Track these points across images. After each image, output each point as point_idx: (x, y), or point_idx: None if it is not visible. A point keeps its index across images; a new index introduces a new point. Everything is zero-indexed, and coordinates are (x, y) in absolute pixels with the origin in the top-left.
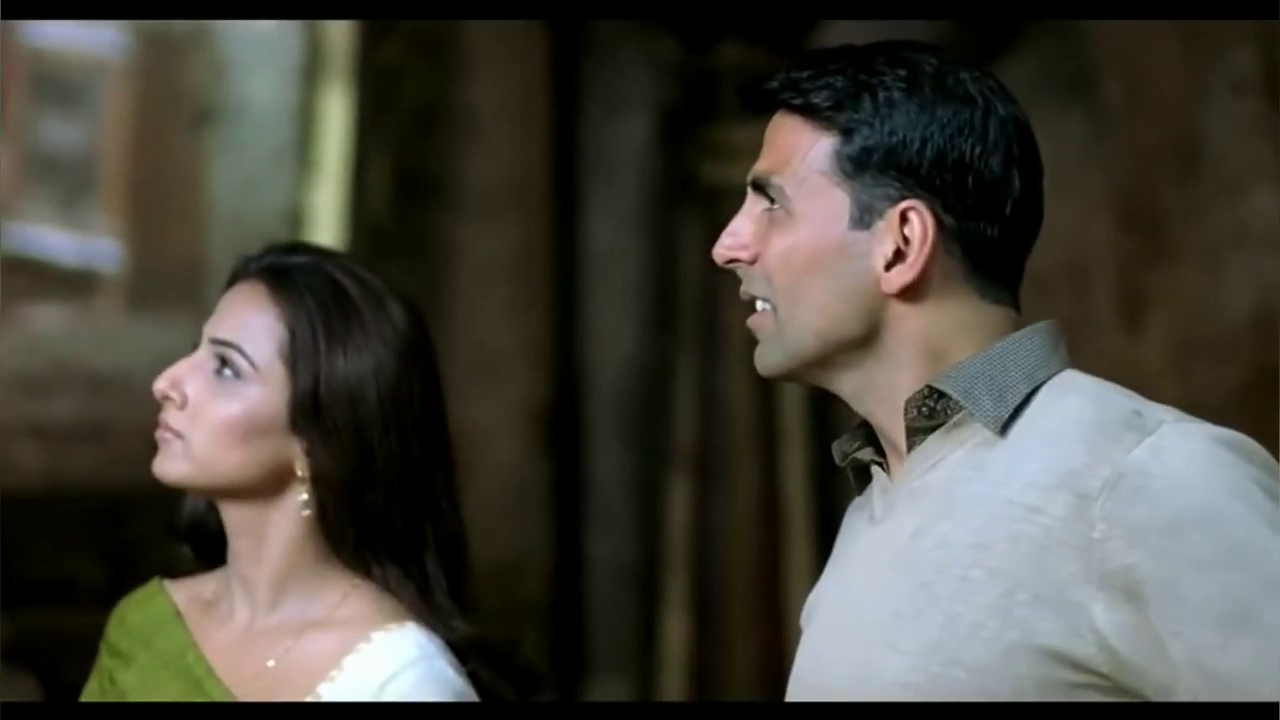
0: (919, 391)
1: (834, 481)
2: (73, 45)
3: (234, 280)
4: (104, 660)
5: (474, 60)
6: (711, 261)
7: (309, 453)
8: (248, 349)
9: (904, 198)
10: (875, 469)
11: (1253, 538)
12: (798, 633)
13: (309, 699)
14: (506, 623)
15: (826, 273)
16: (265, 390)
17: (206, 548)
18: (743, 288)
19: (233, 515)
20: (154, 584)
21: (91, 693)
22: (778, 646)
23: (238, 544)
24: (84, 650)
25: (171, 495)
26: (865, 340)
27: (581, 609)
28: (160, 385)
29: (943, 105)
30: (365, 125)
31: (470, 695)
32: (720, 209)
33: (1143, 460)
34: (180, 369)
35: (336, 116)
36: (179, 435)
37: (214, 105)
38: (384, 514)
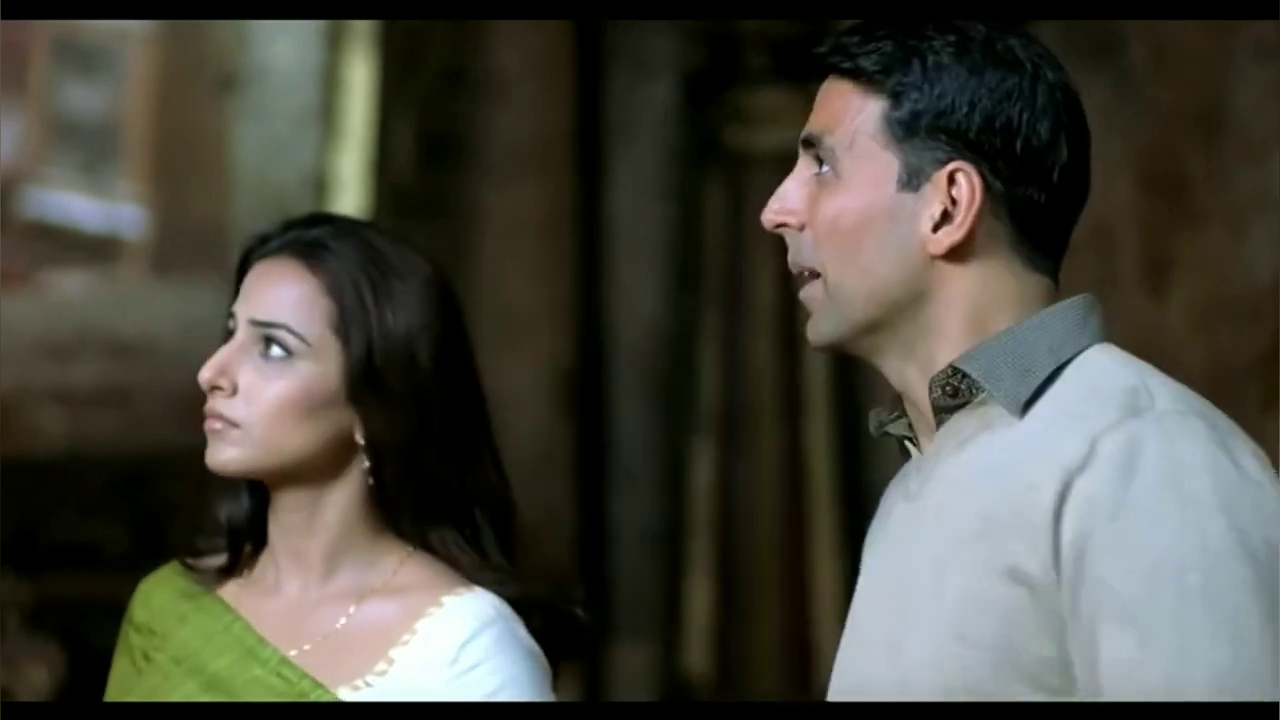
0: (943, 371)
1: (859, 447)
2: None
3: (249, 258)
4: (132, 639)
5: (498, 22)
6: (736, 225)
7: (366, 420)
8: (296, 326)
9: (952, 160)
10: (909, 444)
11: (1178, 551)
12: (822, 598)
13: (381, 664)
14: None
15: (875, 235)
16: (319, 365)
17: (239, 538)
18: (790, 257)
19: (287, 494)
20: (174, 564)
21: (124, 671)
22: (802, 612)
23: (290, 519)
24: (108, 615)
25: (194, 459)
26: (911, 304)
27: (606, 574)
28: (206, 375)
29: (991, 70)
30: (389, 88)
31: (542, 656)
32: (744, 173)
33: (1117, 443)
34: (224, 356)
35: (360, 80)
36: (234, 424)
37: (237, 70)
38: (441, 475)
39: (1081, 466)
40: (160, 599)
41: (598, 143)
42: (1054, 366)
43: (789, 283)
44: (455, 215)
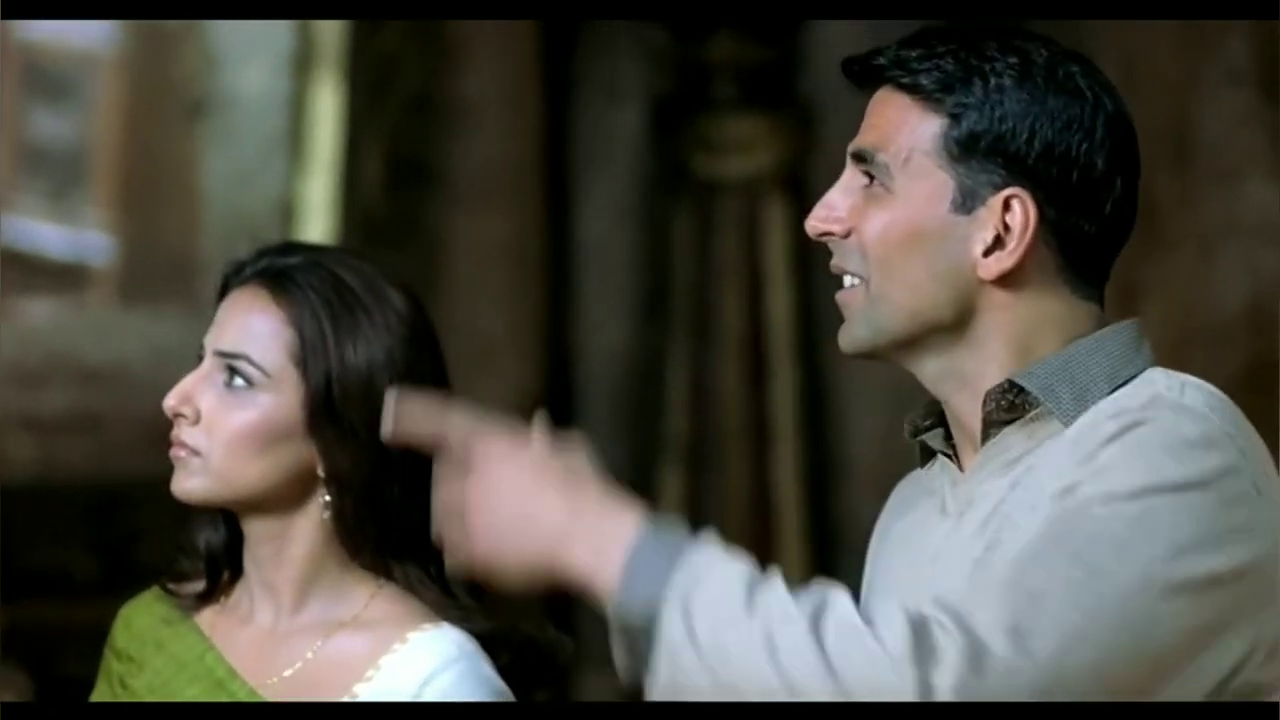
0: (999, 385)
1: (827, 474)
2: (63, 38)
3: (226, 287)
4: (112, 664)
5: (466, 49)
6: (704, 253)
7: (325, 453)
8: (256, 357)
9: (1008, 185)
10: (944, 458)
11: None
12: None
13: (345, 698)
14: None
15: (924, 253)
16: (279, 396)
17: (217, 565)
18: (834, 261)
19: (254, 524)
20: (156, 589)
21: (103, 696)
22: None
23: (259, 550)
24: (79, 642)
25: (164, 486)
26: (955, 325)
27: (574, 601)
28: (170, 402)
29: (1054, 97)
30: (357, 115)
31: (508, 694)
32: (712, 201)
33: (1122, 421)
34: (189, 383)
35: (328, 106)
36: (196, 452)
37: (205, 97)
38: (403, 510)
39: (1093, 450)
40: (140, 624)
41: (566, 169)
42: (1111, 389)
43: (757, 310)
44: (423, 241)
